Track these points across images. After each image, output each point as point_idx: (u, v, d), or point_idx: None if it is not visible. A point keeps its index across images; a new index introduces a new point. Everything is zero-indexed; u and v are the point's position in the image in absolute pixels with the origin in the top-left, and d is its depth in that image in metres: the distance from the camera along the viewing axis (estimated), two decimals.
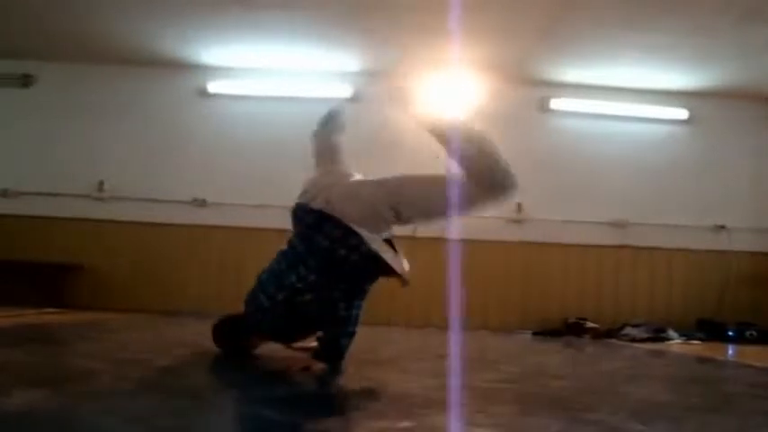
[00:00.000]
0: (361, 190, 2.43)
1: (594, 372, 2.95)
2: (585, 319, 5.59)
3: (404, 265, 2.46)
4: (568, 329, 5.56)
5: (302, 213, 2.43)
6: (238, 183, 5.95)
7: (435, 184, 2.37)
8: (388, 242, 2.49)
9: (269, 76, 6.14)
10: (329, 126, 3.00)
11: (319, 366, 2.31)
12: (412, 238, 5.79)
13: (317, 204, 2.37)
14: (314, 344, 2.58)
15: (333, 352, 2.42)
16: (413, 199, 2.38)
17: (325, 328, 2.44)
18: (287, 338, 2.59)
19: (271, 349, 2.61)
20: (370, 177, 2.51)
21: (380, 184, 2.41)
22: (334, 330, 2.41)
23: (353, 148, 5.69)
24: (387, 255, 2.35)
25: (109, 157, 6.11)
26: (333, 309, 2.36)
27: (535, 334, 5.51)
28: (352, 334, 2.45)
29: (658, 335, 5.17)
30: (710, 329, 5.45)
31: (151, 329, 4.14)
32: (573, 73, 5.98)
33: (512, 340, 4.77)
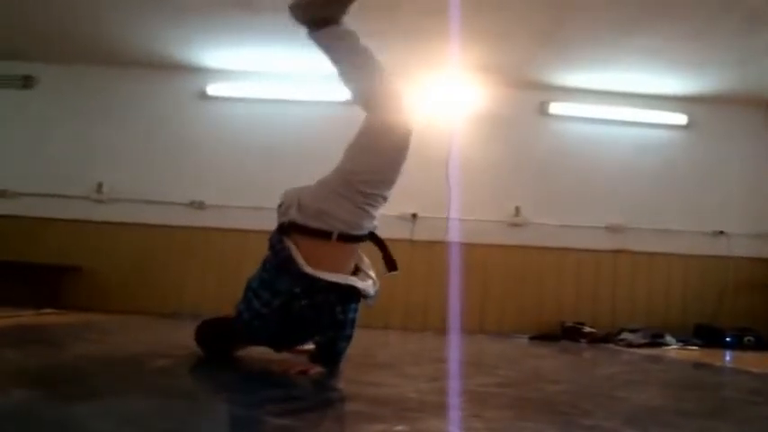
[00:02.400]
0: (324, 178, 2.41)
1: (591, 376, 2.95)
2: (583, 324, 5.59)
3: (361, 281, 2.42)
4: (565, 334, 5.56)
5: (271, 247, 2.42)
6: (237, 185, 5.95)
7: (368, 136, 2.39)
8: (375, 238, 2.50)
9: (268, 78, 6.14)
10: None
11: (316, 369, 2.31)
12: (410, 242, 5.81)
13: (290, 216, 2.35)
14: (311, 347, 2.58)
15: (330, 355, 2.41)
16: (359, 152, 2.38)
17: (323, 332, 2.44)
18: (284, 345, 2.58)
19: (265, 352, 2.61)
20: None
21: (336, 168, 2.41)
22: (331, 334, 2.40)
23: None
24: (329, 276, 2.30)
25: (108, 158, 6.11)
26: (330, 313, 2.35)
27: (532, 338, 5.51)
28: (350, 337, 2.45)
29: (656, 340, 5.16)
30: (708, 335, 5.44)
31: (148, 331, 4.14)
32: (572, 77, 5.98)
33: (508, 344, 4.77)
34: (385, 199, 2.41)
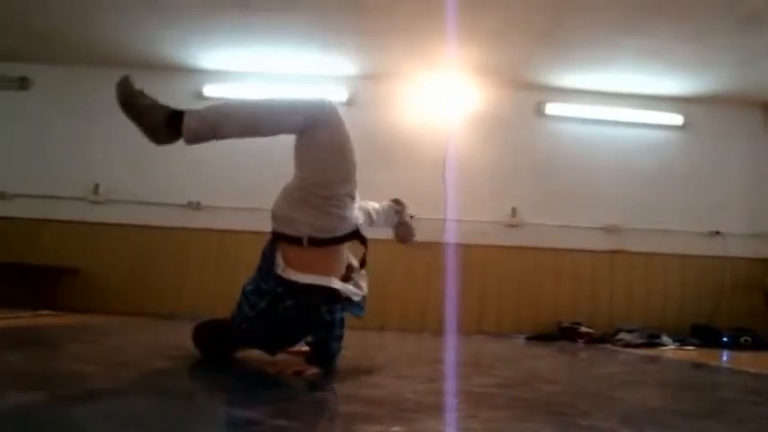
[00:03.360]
0: (286, 185, 2.45)
1: (588, 377, 2.96)
2: (580, 324, 5.59)
3: (342, 284, 2.46)
4: (562, 334, 5.56)
5: (262, 253, 2.49)
6: (233, 186, 5.95)
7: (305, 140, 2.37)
8: (359, 236, 2.53)
9: (264, 79, 6.14)
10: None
11: (312, 370, 2.31)
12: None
13: (273, 225, 2.43)
14: (306, 348, 2.58)
15: (323, 356, 2.41)
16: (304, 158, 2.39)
17: (313, 333, 2.44)
18: (273, 348, 2.58)
19: (263, 354, 2.61)
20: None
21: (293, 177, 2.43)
22: (322, 335, 2.40)
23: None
24: (302, 277, 2.33)
25: (104, 160, 6.10)
26: (316, 313, 2.36)
27: (529, 338, 5.51)
28: (341, 337, 2.45)
29: (652, 340, 5.17)
30: (705, 335, 5.45)
31: (146, 332, 4.13)
32: (569, 78, 5.99)
33: (506, 345, 4.77)
34: (351, 197, 2.41)
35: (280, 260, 2.33)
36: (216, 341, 2.64)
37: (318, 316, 2.34)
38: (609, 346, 5.11)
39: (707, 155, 6.26)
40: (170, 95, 6.48)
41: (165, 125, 2.39)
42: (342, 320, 2.44)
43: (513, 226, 6.07)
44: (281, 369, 2.32)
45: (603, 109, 6.21)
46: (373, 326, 5.41)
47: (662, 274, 6.05)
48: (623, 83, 6.00)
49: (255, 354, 2.64)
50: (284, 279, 2.31)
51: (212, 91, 6.14)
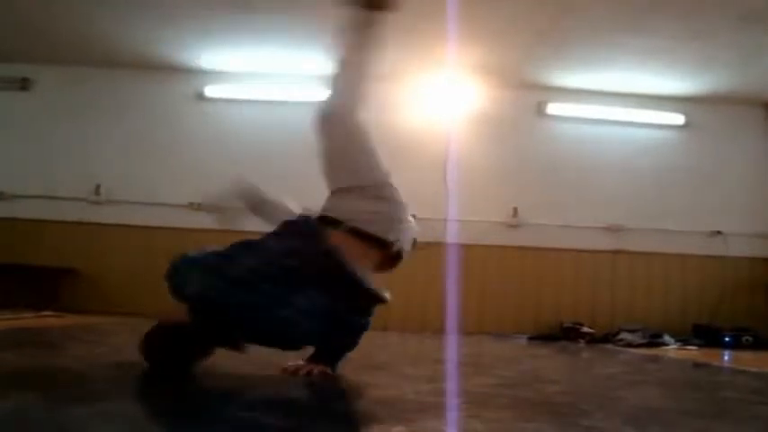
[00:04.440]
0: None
1: (590, 377, 2.95)
2: (581, 324, 5.59)
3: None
4: (564, 334, 5.56)
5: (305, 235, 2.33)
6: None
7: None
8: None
9: (266, 80, 6.15)
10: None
11: (319, 368, 2.29)
12: None
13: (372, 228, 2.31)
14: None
15: (334, 356, 2.40)
16: None
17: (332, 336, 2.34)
18: (264, 344, 2.23)
19: (265, 355, 2.60)
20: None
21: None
22: (349, 340, 2.42)
23: None
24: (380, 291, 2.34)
25: (105, 160, 6.11)
26: (366, 319, 2.42)
27: (531, 338, 5.51)
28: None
29: (654, 340, 5.17)
30: (707, 335, 5.45)
31: None
32: (570, 77, 5.99)
33: (507, 345, 4.77)
34: None
35: (354, 263, 2.15)
36: (173, 349, 2.25)
37: (365, 321, 2.41)
38: (611, 346, 5.11)
39: (708, 154, 6.26)
40: (171, 96, 6.51)
41: None
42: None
43: (514, 226, 6.07)
44: (284, 370, 2.31)
45: (605, 109, 6.22)
46: (375, 326, 5.39)
47: (663, 273, 6.05)
48: (624, 83, 6.00)
49: (257, 356, 2.63)
50: (368, 289, 2.24)
51: (214, 91, 6.15)
